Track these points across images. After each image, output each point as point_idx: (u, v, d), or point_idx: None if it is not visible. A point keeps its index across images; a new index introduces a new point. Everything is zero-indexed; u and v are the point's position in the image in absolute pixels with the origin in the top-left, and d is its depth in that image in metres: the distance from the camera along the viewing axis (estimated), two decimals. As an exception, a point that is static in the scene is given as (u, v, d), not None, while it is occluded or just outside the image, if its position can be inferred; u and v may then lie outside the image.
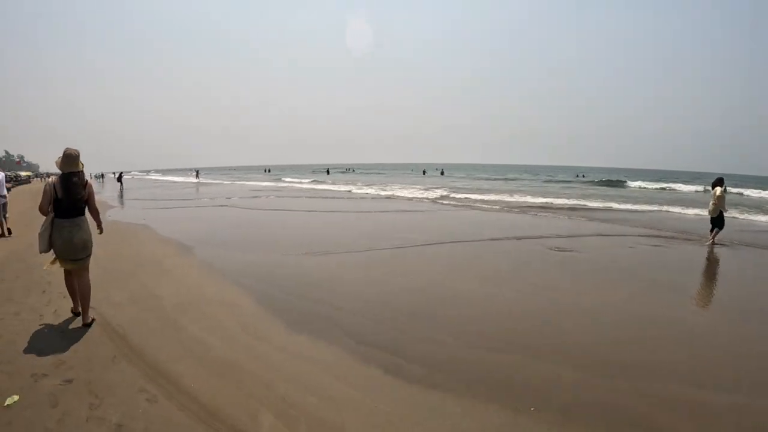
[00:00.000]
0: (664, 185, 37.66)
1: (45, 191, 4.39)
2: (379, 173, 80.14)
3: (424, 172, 64.60)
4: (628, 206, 19.57)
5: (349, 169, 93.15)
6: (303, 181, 46.74)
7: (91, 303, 5.05)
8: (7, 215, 10.61)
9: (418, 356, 4.25)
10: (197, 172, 67.23)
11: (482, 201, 20.95)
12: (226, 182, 50.16)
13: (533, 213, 16.73)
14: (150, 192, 33.02)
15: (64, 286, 5.18)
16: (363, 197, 24.77)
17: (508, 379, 3.85)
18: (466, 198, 22.81)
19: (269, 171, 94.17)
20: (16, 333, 4.73)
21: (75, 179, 4.48)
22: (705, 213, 11.10)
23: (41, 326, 4.93)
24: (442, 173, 62.67)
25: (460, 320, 5.22)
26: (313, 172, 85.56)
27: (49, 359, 4.14)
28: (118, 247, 9.06)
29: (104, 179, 60.57)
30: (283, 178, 54.97)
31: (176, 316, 5.30)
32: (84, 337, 4.68)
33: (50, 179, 4.51)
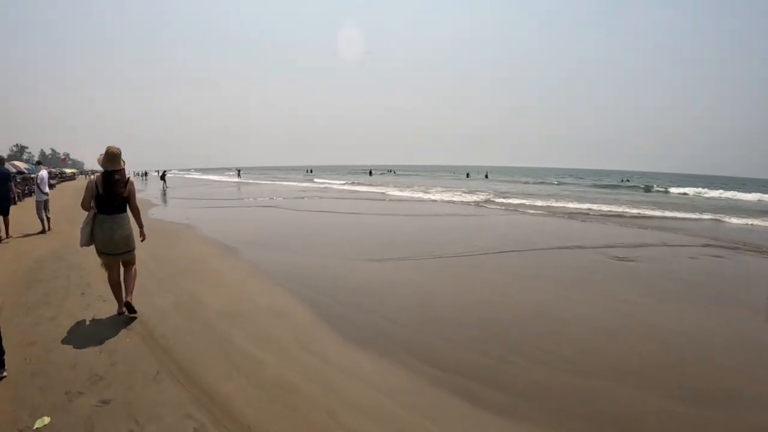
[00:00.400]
0: (718, 192, 35.37)
1: (87, 187, 4.54)
2: (417, 174, 79.01)
3: (467, 175, 62.92)
4: (683, 214, 18.18)
5: (390, 171, 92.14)
6: (343, 182, 45.76)
7: (136, 307, 5.00)
8: (49, 214, 10.86)
9: (493, 380, 3.81)
10: (239, 171, 67.74)
11: (532, 206, 19.86)
12: (266, 182, 50.11)
13: (585, 219, 15.63)
14: (192, 191, 33.18)
15: (104, 288, 5.20)
16: (408, 200, 23.77)
17: (598, 413, 3.36)
18: (516, 203, 21.62)
19: (311, 171, 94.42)
20: (52, 340, 4.37)
21: (116, 177, 4.58)
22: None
23: (78, 334, 4.58)
24: (486, 176, 60.88)
25: (534, 338, 4.73)
26: (350, 173, 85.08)
27: (86, 373, 3.73)
28: (162, 248, 8.77)
29: (147, 177, 61.61)
30: (321, 179, 54.31)
31: (224, 327, 4.83)
32: (124, 348, 4.28)
33: (92, 176, 4.63)
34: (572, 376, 3.85)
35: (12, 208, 10.39)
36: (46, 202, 10.67)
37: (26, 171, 24.68)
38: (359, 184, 41.89)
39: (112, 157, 4.58)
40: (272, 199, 23.39)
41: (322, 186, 40.26)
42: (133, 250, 4.87)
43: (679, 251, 9.84)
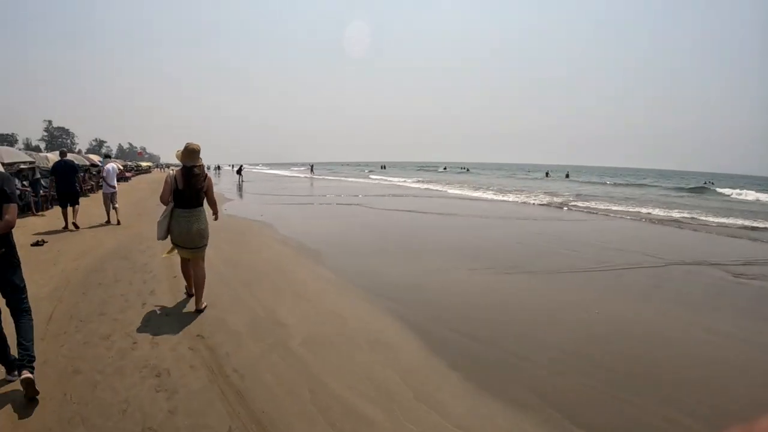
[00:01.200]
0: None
1: (166, 182, 4.69)
2: (491, 171, 76.11)
3: (547, 174, 59.45)
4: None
5: (464, 168, 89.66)
6: (415, 179, 44.04)
7: (205, 327, 4.42)
8: (116, 206, 11.11)
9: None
10: (312, 166, 67.86)
11: (624, 212, 17.27)
12: (334, 178, 49.04)
13: (683, 227, 13.33)
14: (265, 186, 32.91)
15: (168, 297, 5.05)
16: (490, 200, 21.52)
17: None
18: (603, 208, 19.27)
19: (384, 167, 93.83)
20: (101, 370, 3.63)
21: (195, 171, 4.72)
22: None
23: (133, 361, 3.76)
24: (567, 176, 57.09)
25: (699, 387, 3.64)
26: (419, 169, 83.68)
27: (137, 425, 2.89)
28: (236, 249, 8.09)
29: (220, 171, 62.96)
30: (390, 176, 52.71)
31: (312, 361, 3.85)
32: (188, 387, 3.40)
33: (171, 171, 4.81)
34: None
35: (83, 200, 11.02)
36: (112, 194, 10.99)
37: (99, 164, 25.18)
38: (434, 182, 39.94)
39: (191, 153, 4.71)
40: (357, 196, 22.28)
41: (397, 183, 38.56)
42: (206, 245, 4.98)
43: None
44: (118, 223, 10.81)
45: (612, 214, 15.77)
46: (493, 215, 14.91)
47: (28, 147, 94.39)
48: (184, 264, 5.06)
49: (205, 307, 4.86)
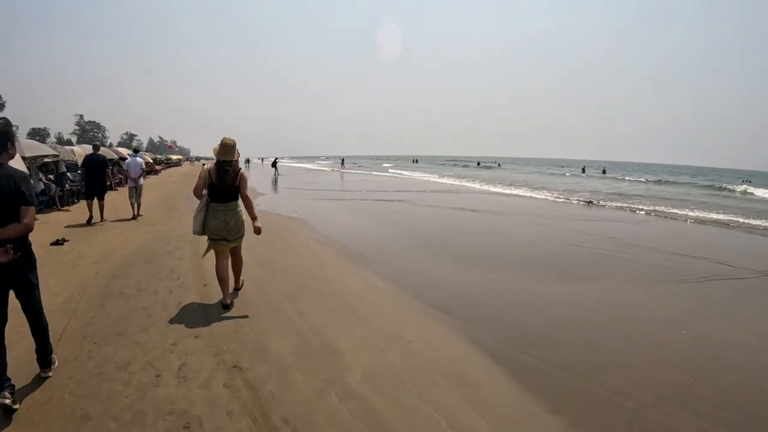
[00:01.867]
0: None
1: (200, 176, 4.70)
2: (523, 167, 73.75)
3: (583, 170, 56.96)
4: None
5: (495, 163, 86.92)
6: (450, 174, 42.29)
7: (243, 354, 3.67)
8: (139, 201, 10.94)
9: None
10: (342, 160, 66.90)
11: (678, 215, 15.38)
12: (373, 172, 46.48)
13: (753, 231, 11.93)
14: (296, 179, 31.79)
15: (198, 314, 4.43)
16: (534, 198, 19.97)
17: None
18: (657, 209, 17.76)
19: (416, 161, 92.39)
20: (115, 415, 2.90)
21: (228, 167, 4.68)
22: None
23: (152, 403, 2.97)
24: (603, 172, 54.60)
25: None
26: (442, 164, 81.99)
27: None
28: (272, 251, 7.30)
29: (249, 164, 62.62)
30: (423, 172, 50.74)
31: (380, 406, 3.09)
32: None
33: (205, 165, 4.86)
34: None
35: (111, 194, 11.10)
36: (137, 188, 10.90)
37: (129, 157, 24.92)
38: (470, 178, 38.39)
39: (226, 148, 4.70)
40: (396, 192, 21.18)
41: (432, 179, 36.37)
42: (243, 236, 4.92)
43: None
44: (135, 217, 10.57)
45: (665, 215, 14.45)
46: (542, 214, 13.72)
47: (60, 141, 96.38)
48: (220, 263, 4.78)
49: (243, 283, 5.19)
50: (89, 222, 9.64)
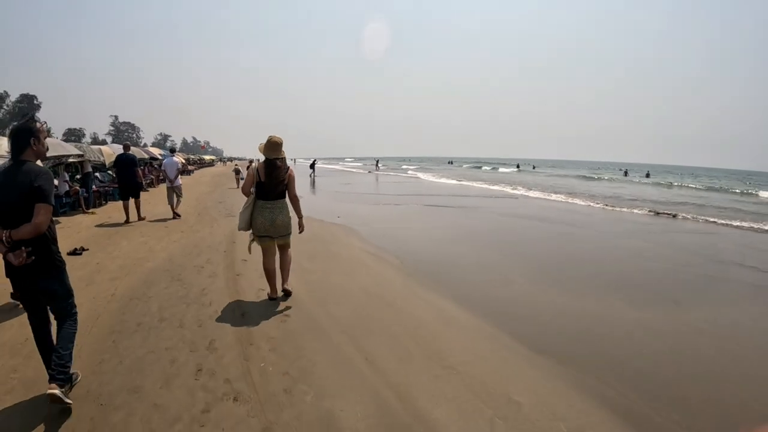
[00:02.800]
0: None
1: (249, 174, 4.75)
2: (561, 170, 70.76)
3: (625, 173, 54.42)
4: None
5: (530, 165, 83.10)
6: (496, 180, 40.41)
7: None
8: (180, 198, 11.05)
9: None
10: (377, 162, 65.35)
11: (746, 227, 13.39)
12: (410, 175, 44.42)
13: None
14: (330, 181, 30.55)
15: (232, 355, 3.51)
16: (595, 206, 17.87)
17: None
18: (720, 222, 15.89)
19: (451, 163, 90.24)
20: None
21: (276, 164, 4.67)
22: None
23: None
24: (647, 175, 51.85)
25: None
26: (477, 166, 79.78)
27: None
28: (322, 268, 6.21)
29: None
30: (467, 176, 48.65)
31: None
32: None
33: (253, 164, 5.20)
34: None
35: (143, 194, 11.15)
36: (176, 188, 10.85)
37: (160, 157, 24.23)
38: (515, 183, 36.54)
39: (274, 146, 4.67)
40: (440, 196, 19.56)
41: (475, 185, 34.91)
42: (290, 233, 4.84)
43: None
44: (175, 216, 10.57)
45: (732, 227, 12.75)
46: (614, 227, 12.33)
47: (95, 141, 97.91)
48: (267, 259, 4.78)
49: (291, 291, 4.87)
50: (127, 222, 9.70)
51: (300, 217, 4.84)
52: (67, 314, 2.87)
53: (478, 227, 10.92)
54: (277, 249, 4.82)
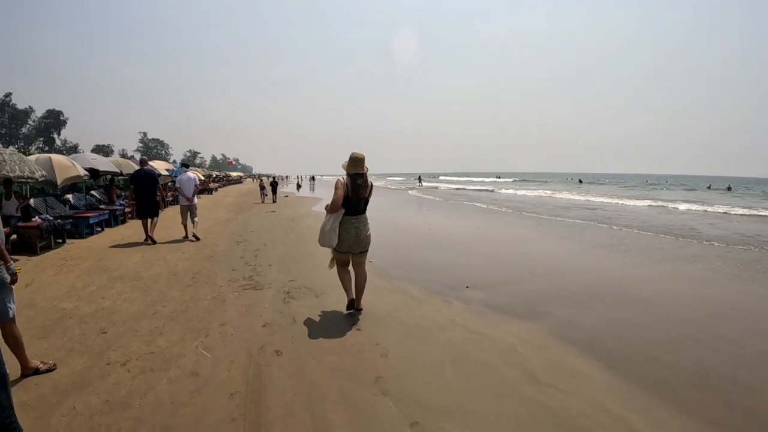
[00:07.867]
0: None
1: (338, 187, 4.73)
2: (615, 182, 67.13)
3: (709, 187, 51.35)
4: None
5: (579, 180, 77.64)
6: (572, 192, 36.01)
7: None
8: (195, 219, 10.21)
9: None
10: (419, 177, 59.80)
11: None
12: (463, 190, 40.84)
13: None
14: (386, 200, 25.99)
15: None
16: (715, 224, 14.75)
17: None
18: None
19: (499, 177, 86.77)
20: None
21: (360, 181, 4.82)
22: None
23: None
24: (729, 189, 48.22)
25: None
26: (560, 181, 75.84)
27: None
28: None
29: (315, 181, 59.20)
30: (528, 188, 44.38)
31: None
32: None
33: (341, 179, 4.83)
34: None
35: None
36: (191, 207, 10.11)
37: (168, 173, 22.07)
38: (596, 193, 33.33)
39: (357, 162, 4.83)
40: (531, 214, 17.19)
41: (557, 196, 31.23)
42: (368, 250, 5.01)
43: None
44: (196, 238, 9.79)
45: None
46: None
47: (123, 157, 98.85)
48: (343, 272, 4.93)
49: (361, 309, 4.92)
50: (146, 242, 9.35)
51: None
52: None
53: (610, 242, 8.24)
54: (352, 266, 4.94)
